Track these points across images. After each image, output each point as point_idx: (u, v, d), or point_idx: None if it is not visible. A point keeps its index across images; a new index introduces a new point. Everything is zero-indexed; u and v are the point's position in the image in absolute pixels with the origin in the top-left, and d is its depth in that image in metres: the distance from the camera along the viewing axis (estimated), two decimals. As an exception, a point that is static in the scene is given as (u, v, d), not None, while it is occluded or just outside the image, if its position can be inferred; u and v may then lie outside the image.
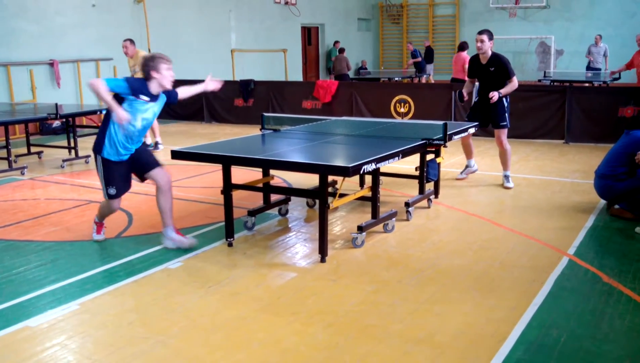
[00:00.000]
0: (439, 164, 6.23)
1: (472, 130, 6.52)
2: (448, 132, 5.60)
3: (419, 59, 20.57)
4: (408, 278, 4.35)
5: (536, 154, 9.18)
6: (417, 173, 6.05)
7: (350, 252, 4.93)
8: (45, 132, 12.15)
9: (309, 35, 21.96)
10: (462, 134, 6.31)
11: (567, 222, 5.65)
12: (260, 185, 5.68)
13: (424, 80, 19.78)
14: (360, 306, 3.90)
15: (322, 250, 4.70)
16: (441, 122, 5.70)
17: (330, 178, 5.68)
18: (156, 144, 10.02)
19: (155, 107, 4.86)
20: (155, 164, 4.97)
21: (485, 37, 6.86)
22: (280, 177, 7.30)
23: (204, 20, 16.63)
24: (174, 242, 5.00)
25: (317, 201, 5.19)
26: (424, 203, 6.16)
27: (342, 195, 5.16)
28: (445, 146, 5.69)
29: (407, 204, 5.79)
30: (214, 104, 13.70)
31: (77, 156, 9.06)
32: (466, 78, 7.47)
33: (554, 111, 10.32)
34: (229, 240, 5.10)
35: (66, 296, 4.13)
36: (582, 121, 10.10)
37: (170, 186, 4.99)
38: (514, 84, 6.88)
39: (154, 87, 4.76)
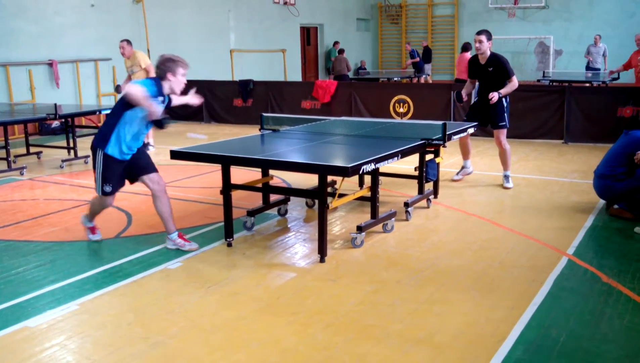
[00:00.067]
0: (438, 164, 6.23)
1: (471, 130, 6.52)
2: (447, 133, 5.60)
3: (417, 59, 20.60)
4: (407, 278, 4.35)
5: (535, 154, 9.19)
6: (416, 173, 6.04)
7: (350, 252, 4.93)
8: (45, 133, 12.14)
9: (308, 35, 21.95)
10: (462, 134, 6.31)
11: (566, 222, 5.65)
12: (260, 185, 5.68)
13: (422, 80, 19.78)
14: (359, 307, 3.90)
15: (322, 250, 4.70)
16: (440, 123, 5.70)
17: (330, 178, 5.67)
18: (147, 145, 9.94)
19: (162, 108, 4.86)
20: (152, 169, 4.95)
21: (483, 37, 6.85)
22: (280, 177, 7.30)
23: (203, 21, 16.62)
24: (175, 244, 5.01)
25: (317, 201, 5.19)
26: (423, 203, 6.16)
27: (341, 195, 5.16)
28: (444, 146, 5.70)
29: (407, 205, 5.79)
30: (213, 104, 13.70)
31: (76, 157, 9.05)
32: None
33: (553, 111, 10.32)
34: (228, 240, 5.10)
35: (65, 296, 4.13)
36: (581, 121, 10.10)
37: (165, 191, 4.96)
38: (513, 83, 6.87)
39: (165, 88, 4.78)
